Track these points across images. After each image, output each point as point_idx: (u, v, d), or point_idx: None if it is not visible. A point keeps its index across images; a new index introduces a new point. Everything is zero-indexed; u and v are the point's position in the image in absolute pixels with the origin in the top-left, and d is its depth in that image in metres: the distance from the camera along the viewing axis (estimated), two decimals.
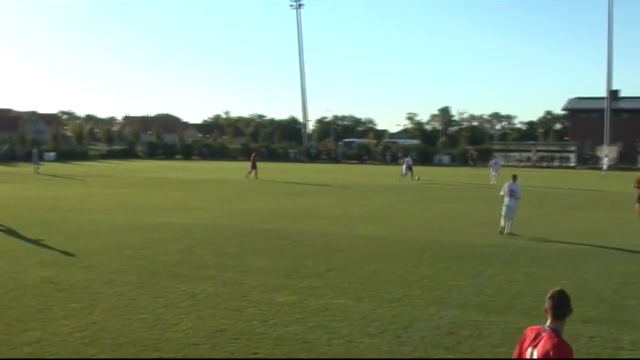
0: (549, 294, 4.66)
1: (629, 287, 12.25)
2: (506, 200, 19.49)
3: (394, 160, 76.70)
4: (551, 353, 4.44)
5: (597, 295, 11.51)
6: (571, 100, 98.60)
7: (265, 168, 48.06)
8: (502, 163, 53.50)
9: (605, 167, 56.70)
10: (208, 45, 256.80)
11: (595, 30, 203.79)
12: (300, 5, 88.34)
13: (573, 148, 76.78)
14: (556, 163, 73.26)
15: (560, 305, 4.61)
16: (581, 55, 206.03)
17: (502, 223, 19.44)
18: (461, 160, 74.15)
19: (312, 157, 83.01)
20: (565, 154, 75.77)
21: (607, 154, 63.88)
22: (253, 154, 47.61)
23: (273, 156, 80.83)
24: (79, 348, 8.33)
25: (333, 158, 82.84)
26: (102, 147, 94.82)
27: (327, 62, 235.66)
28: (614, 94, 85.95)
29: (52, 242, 16.49)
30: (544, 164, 72.45)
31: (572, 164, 72.20)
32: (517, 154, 78.30)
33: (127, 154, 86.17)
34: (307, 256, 14.98)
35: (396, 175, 45.33)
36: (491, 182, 41.35)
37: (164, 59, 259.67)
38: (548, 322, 4.64)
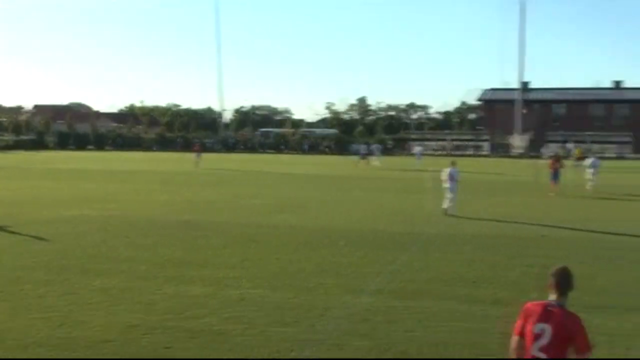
0: (552, 271, 5.00)
1: (536, 270, 12.71)
2: (447, 184, 21.04)
3: (312, 150, 77.68)
4: (568, 326, 4.79)
5: (506, 278, 11.91)
6: (485, 91, 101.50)
7: (181, 159, 47.41)
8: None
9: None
10: (122, 32, 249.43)
11: (510, 23, 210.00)
12: None
13: (486, 137, 79.71)
14: (470, 151, 75.71)
15: (565, 281, 4.96)
16: (495, 48, 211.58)
17: (444, 205, 20.86)
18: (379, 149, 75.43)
19: (229, 147, 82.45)
20: (479, 143, 78.54)
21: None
22: (196, 144, 49.06)
23: (189, 146, 79.72)
24: None
25: (250, 148, 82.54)
26: (10, 138, 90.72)
27: (245, 51, 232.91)
28: (525, 86, 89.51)
29: None
30: (459, 152, 74.74)
31: (485, 153, 74.90)
32: (433, 143, 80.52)
33: (37, 144, 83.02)
34: (224, 247, 14.86)
35: (314, 165, 46.19)
36: (417, 167, 46.74)
37: (76, 45, 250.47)
38: (553, 298, 4.94)
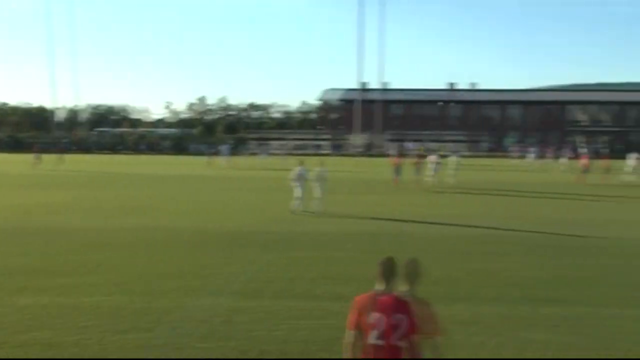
0: (379, 261, 5.23)
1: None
2: (296, 183, 21.46)
3: (151, 150, 76.84)
4: (399, 311, 4.99)
5: (366, 274, 12.18)
6: (326, 91, 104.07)
7: (9, 160, 44.98)
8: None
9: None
10: None
11: (350, 24, 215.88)
12: None
13: (327, 136, 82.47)
14: (311, 150, 77.57)
15: (391, 270, 5.19)
16: (334, 49, 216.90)
17: (295, 205, 21.17)
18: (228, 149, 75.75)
19: (63, 148, 79.23)
20: (319, 142, 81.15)
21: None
22: (35, 145, 48.21)
23: (20, 146, 75.61)
24: None
25: (85, 148, 79.94)
26: None
27: (80, 47, 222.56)
28: (364, 86, 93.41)
29: None
30: (300, 151, 76.17)
31: (325, 152, 77.29)
32: (273, 142, 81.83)
33: None
34: (76, 252, 14.15)
35: (155, 165, 46.13)
36: (262, 167, 48.97)
37: None
38: (381, 287, 5.14)
